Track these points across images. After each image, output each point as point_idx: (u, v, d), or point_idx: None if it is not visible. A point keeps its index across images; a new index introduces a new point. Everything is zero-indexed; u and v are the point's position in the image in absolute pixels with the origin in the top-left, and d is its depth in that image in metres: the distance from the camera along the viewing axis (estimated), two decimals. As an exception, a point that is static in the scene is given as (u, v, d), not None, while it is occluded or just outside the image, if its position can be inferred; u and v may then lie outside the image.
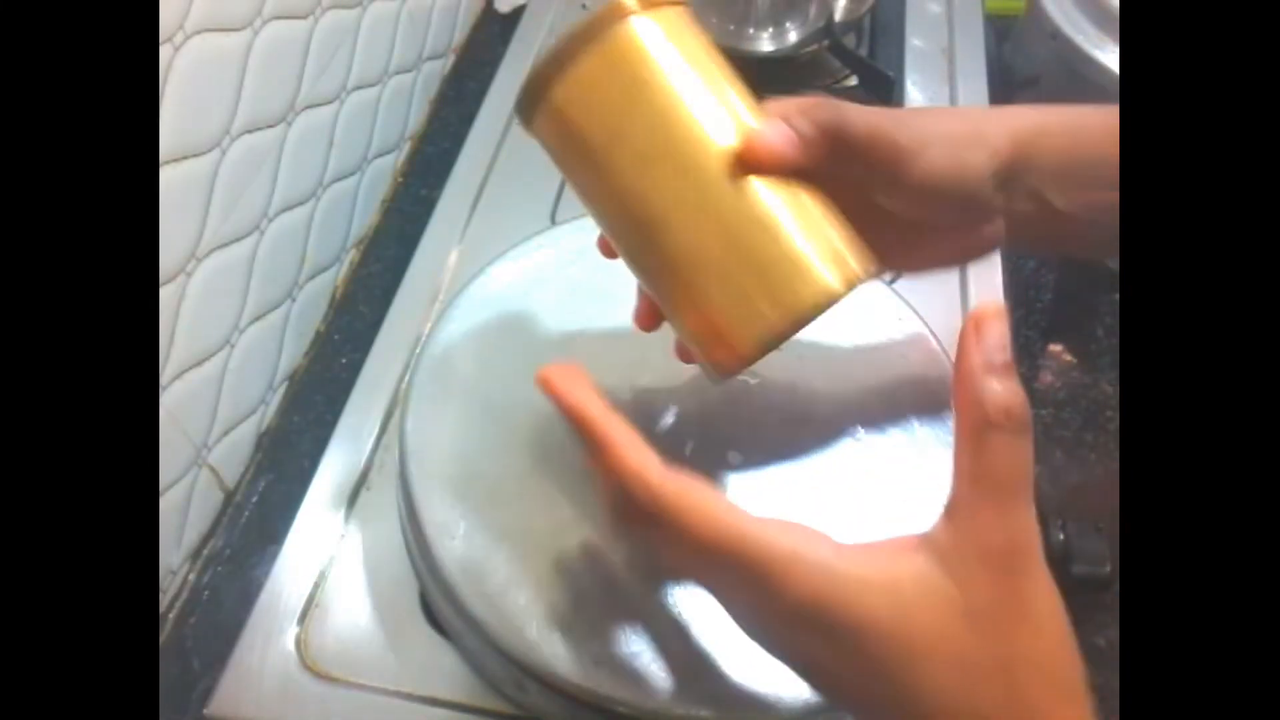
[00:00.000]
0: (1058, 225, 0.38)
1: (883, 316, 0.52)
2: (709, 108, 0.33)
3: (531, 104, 0.36)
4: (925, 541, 0.28)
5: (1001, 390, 0.27)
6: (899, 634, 0.27)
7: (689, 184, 0.33)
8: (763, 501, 0.44)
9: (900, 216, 0.37)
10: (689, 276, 0.33)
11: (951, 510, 0.28)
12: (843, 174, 0.35)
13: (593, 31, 0.33)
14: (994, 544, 0.27)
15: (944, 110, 0.39)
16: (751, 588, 0.29)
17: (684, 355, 0.40)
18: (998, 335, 0.28)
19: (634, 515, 0.31)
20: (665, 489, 0.30)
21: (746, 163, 0.32)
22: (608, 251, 0.40)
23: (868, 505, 0.44)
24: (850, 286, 0.32)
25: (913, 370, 0.50)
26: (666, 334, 0.50)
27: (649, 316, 0.39)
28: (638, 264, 0.36)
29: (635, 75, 0.33)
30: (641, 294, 0.39)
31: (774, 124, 0.33)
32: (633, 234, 0.35)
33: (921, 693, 0.26)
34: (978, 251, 0.40)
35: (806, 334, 0.51)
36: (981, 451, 0.27)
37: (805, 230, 0.32)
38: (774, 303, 0.32)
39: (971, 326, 0.28)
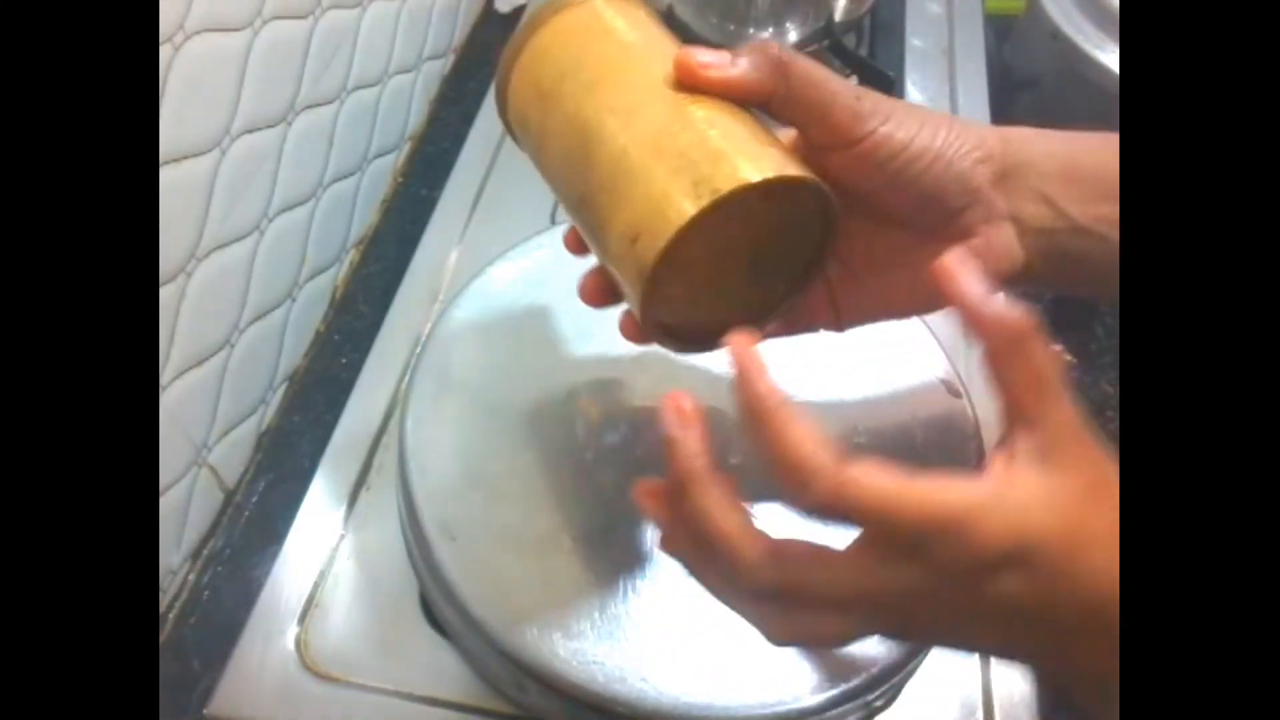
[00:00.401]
0: (1078, 240, 0.36)
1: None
2: (654, 44, 0.35)
3: (503, 82, 0.38)
4: (1023, 451, 0.29)
5: (1011, 310, 0.29)
6: (1068, 535, 0.28)
7: (625, 95, 0.33)
8: (762, 504, 0.44)
9: (889, 220, 0.36)
10: (615, 183, 0.33)
11: (1022, 418, 0.29)
12: (804, 133, 0.34)
13: (555, 6, 0.36)
14: (1074, 425, 0.28)
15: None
16: (949, 553, 0.28)
17: (597, 295, 0.39)
18: (971, 276, 0.29)
19: (812, 507, 0.29)
20: (846, 479, 0.29)
21: (680, 76, 0.32)
22: (574, 246, 0.40)
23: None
24: (766, 175, 0.30)
25: (913, 372, 0.50)
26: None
27: (596, 292, 0.38)
28: (575, 197, 0.36)
29: (590, 29, 0.35)
30: (589, 271, 0.39)
31: (712, 50, 0.33)
32: (573, 163, 0.35)
33: (1096, 581, 0.27)
34: (993, 268, 0.35)
35: (807, 336, 0.51)
36: (1029, 360, 0.28)
37: (729, 131, 0.32)
38: (690, 191, 0.30)
39: (945, 279, 0.30)
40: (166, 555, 0.50)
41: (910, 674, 0.45)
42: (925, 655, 0.45)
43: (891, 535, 0.28)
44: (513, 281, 0.53)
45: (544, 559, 0.43)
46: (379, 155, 0.68)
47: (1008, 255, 0.36)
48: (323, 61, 0.57)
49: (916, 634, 0.32)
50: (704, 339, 0.37)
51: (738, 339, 0.31)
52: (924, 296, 0.38)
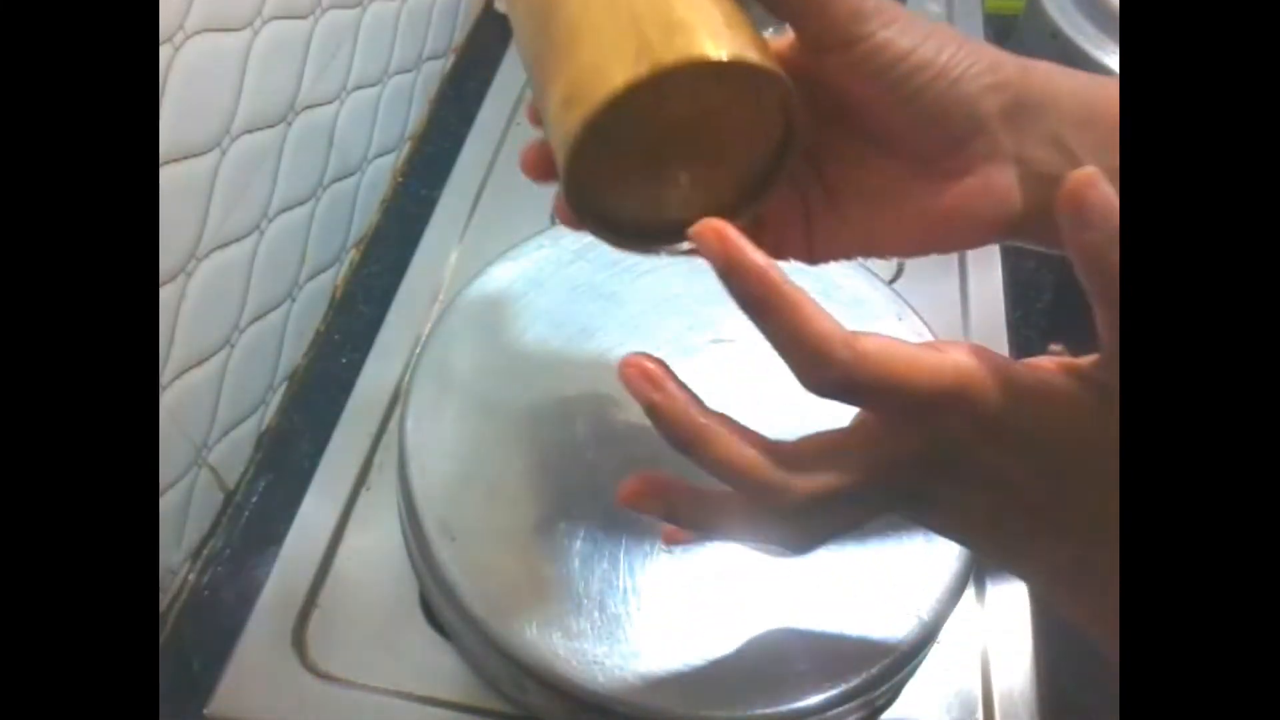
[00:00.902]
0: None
1: (883, 316, 0.52)
2: None
3: None
4: (1091, 374, 0.29)
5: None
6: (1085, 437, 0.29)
7: None
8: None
9: (883, 143, 0.33)
10: (565, 42, 0.30)
11: (1111, 361, 0.28)
12: (798, 27, 0.31)
13: None
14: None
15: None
16: (961, 415, 0.29)
17: (535, 167, 0.35)
18: (1100, 204, 0.26)
19: (829, 385, 0.28)
20: (863, 352, 0.28)
21: None
22: (530, 161, 0.35)
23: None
24: (719, 55, 0.27)
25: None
26: (669, 334, 0.50)
27: (534, 163, 0.35)
28: (530, 58, 0.32)
29: None
30: (530, 143, 0.35)
31: None
32: (535, 18, 0.32)
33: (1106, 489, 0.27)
34: (987, 213, 0.32)
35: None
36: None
37: (697, 4, 0.29)
38: (631, 58, 0.27)
39: (1070, 207, 0.27)
40: (167, 555, 0.50)
41: (911, 674, 0.45)
42: (926, 655, 0.45)
43: (905, 404, 0.29)
44: (513, 281, 0.53)
45: (544, 559, 0.43)
46: (379, 155, 0.68)
47: (1005, 201, 0.32)
48: (323, 61, 0.57)
49: (925, 506, 0.32)
50: (645, 238, 0.33)
51: (706, 226, 0.28)
52: (908, 236, 0.34)
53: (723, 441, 0.30)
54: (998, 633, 0.48)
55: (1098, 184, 0.26)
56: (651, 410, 0.30)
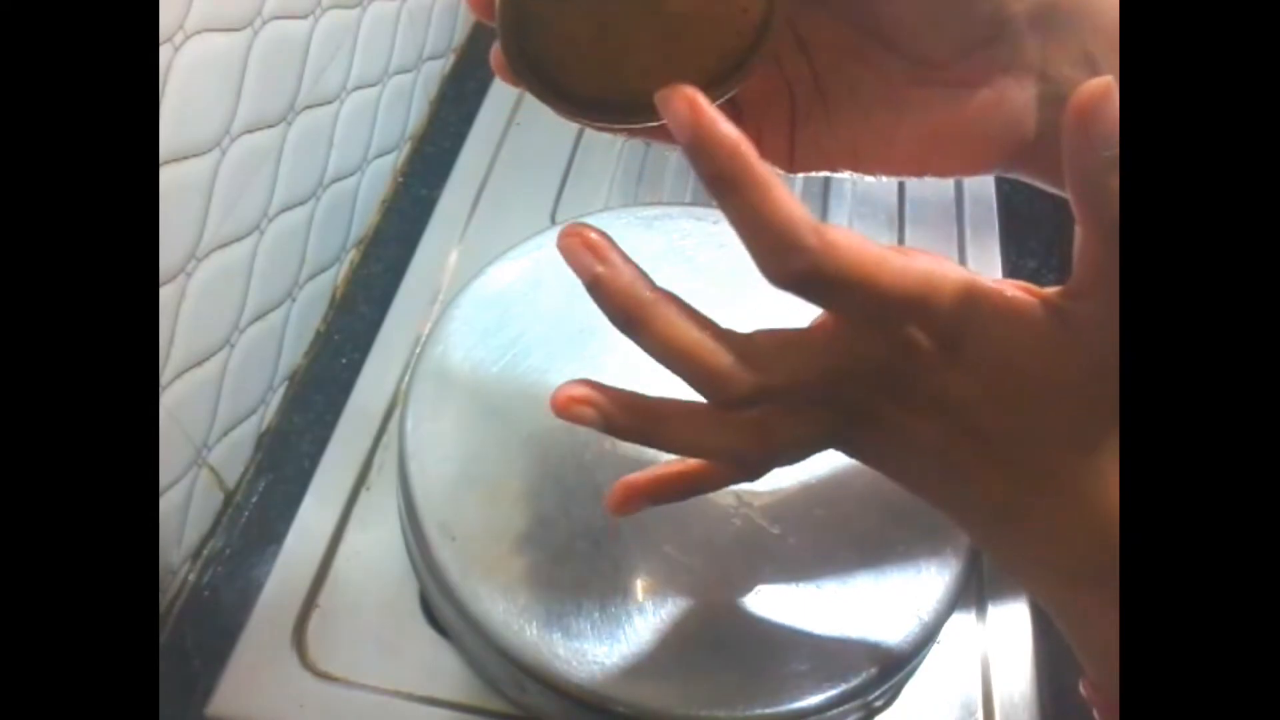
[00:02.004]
0: None
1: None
2: None
3: None
4: (1057, 302, 0.28)
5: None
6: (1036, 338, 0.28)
7: None
8: (760, 497, 0.44)
9: (888, 40, 0.29)
10: None
11: (1084, 292, 0.27)
12: None
13: None
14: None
15: None
16: (921, 324, 0.27)
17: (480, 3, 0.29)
18: (1109, 121, 0.24)
19: (793, 276, 0.26)
20: (832, 241, 0.26)
21: None
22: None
23: (867, 504, 0.44)
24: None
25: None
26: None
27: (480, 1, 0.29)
28: None
29: None
30: None
31: None
32: None
33: (1057, 415, 0.27)
34: (997, 134, 0.29)
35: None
36: (1114, 246, 0.26)
37: None
38: None
39: (1078, 118, 0.24)
40: (167, 555, 0.50)
41: (910, 674, 0.45)
42: (926, 655, 0.45)
43: (867, 304, 0.27)
44: (513, 281, 0.53)
45: (544, 558, 0.43)
46: (379, 155, 0.68)
47: (1019, 122, 0.29)
48: (323, 61, 0.57)
49: (869, 429, 0.30)
50: (598, 109, 0.30)
51: (676, 92, 0.25)
52: (903, 151, 0.31)
53: (670, 320, 0.28)
54: (998, 633, 0.48)
55: (1111, 97, 0.24)
56: (594, 284, 0.28)
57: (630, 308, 0.28)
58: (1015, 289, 0.28)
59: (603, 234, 0.28)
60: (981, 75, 0.28)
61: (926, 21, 0.28)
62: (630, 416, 0.30)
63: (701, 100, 0.25)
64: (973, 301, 0.27)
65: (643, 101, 0.27)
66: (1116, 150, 0.24)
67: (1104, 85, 0.24)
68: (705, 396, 0.29)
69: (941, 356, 0.28)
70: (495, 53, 0.29)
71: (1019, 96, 0.28)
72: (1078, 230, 0.27)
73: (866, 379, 0.29)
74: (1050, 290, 0.28)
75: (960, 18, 0.27)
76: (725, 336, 0.28)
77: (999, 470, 0.29)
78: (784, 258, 0.26)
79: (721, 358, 0.28)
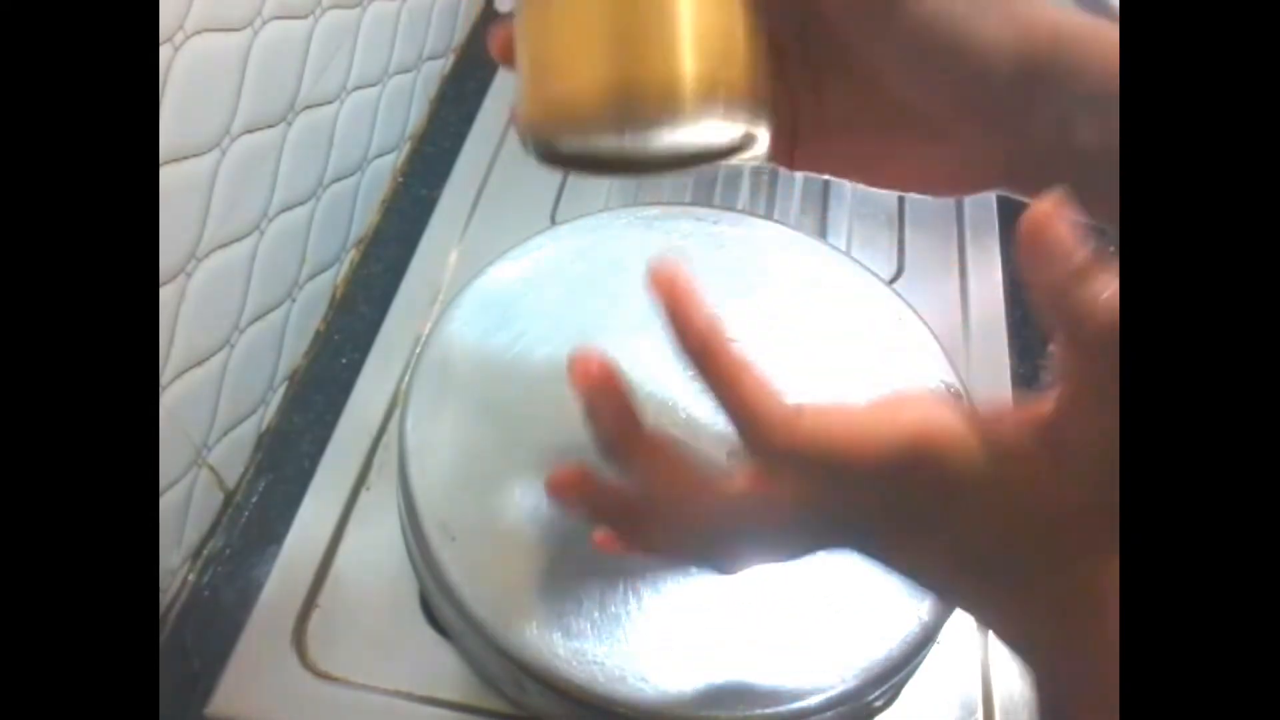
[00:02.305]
0: (1063, 166, 0.29)
1: (883, 316, 0.52)
2: None
3: None
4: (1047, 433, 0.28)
5: (1102, 295, 0.25)
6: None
7: None
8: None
9: (881, 88, 0.30)
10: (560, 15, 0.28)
11: (1073, 415, 0.27)
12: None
13: None
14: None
15: None
16: (914, 480, 0.28)
17: (505, 54, 0.32)
18: (1062, 240, 0.25)
19: (769, 450, 0.29)
20: (802, 423, 0.28)
21: None
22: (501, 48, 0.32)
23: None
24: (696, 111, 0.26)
25: (913, 370, 0.50)
26: (665, 333, 0.50)
27: (504, 52, 0.32)
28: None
29: None
30: (501, 30, 0.33)
31: None
32: None
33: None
34: (976, 175, 0.31)
35: (808, 335, 0.51)
36: (1093, 357, 0.26)
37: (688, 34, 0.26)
38: (616, 101, 0.26)
39: (1028, 244, 0.25)
40: (166, 555, 0.50)
41: (910, 674, 0.45)
42: (926, 655, 0.45)
43: (853, 474, 0.28)
44: (513, 281, 0.53)
45: (544, 559, 0.43)
46: (379, 155, 0.68)
47: (995, 167, 0.30)
48: (323, 61, 0.57)
49: (863, 538, 0.32)
50: (604, 169, 0.32)
51: (659, 272, 0.29)
52: (890, 174, 0.33)
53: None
54: (998, 633, 0.48)
55: (1058, 216, 0.25)
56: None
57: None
58: (1011, 422, 0.28)
59: (604, 364, 0.31)
60: (966, 125, 0.29)
61: (912, 77, 0.29)
62: (618, 510, 0.33)
63: (681, 281, 0.29)
64: (964, 452, 0.28)
65: (646, 168, 0.30)
66: (1078, 261, 0.25)
67: (1048, 208, 0.25)
68: (672, 525, 0.32)
69: (938, 501, 0.29)
70: (497, 40, 0.30)
71: (1000, 143, 0.29)
72: (1054, 348, 0.27)
73: (866, 510, 0.30)
74: (1044, 411, 0.27)
75: (944, 76, 0.28)
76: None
77: (1003, 592, 0.30)
78: (759, 444, 0.29)
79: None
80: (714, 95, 0.27)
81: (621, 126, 0.27)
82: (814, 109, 0.32)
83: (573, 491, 0.33)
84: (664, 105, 0.27)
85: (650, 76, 0.27)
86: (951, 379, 0.50)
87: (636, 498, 0.32)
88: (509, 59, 0.31)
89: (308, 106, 0.56)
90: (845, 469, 0.28)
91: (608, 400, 0.31)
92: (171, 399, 0.47)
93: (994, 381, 0.58)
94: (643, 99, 0.27)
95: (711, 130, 0.28)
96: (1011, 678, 0.47)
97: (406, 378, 0.55)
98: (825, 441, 0.28)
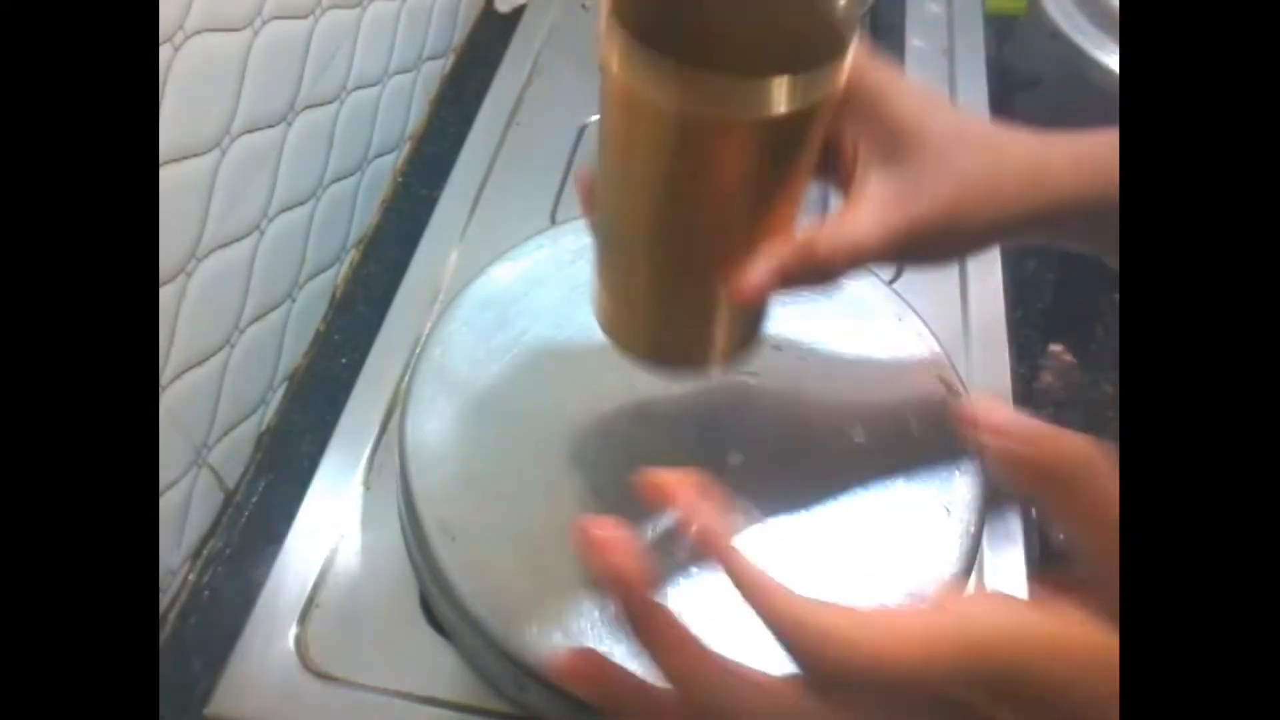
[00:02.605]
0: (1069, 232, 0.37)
1: (883, 316, 0.52)
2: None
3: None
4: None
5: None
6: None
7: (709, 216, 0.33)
8: (763, 502, 0.44)
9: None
10: (647, 250, 0.35)
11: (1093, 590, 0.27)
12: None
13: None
14: None
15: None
16: (964, 684, 0.26)
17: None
18: (1010, 423, 0.28)
19: (831, 678, 0.27)
20: (859, 638, 0.26)
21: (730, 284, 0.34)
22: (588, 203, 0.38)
23: (867, 505, 0.44)
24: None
25: (912, 371, 0.50)
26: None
27: (587, 199, 0.38)
28: (624, 209, 0.35)
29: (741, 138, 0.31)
30: (588, 175, 0.37)
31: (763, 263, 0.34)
32: (637, 202, 0.34)
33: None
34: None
35: (809, 335, 0.51)
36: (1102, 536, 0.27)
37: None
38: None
39: (994, 435, 0.28)
40: (166, 555, 0.50)
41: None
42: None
43: (904, 688, 0.26)
44: (513, 281, 0.53)
45: (544, 558, 0.43)
46: (379, 155, 0.68)
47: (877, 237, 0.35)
48: (323, 61, 0.57)
49: None
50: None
51: (701, 525, 0.29)
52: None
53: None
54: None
55: (995, 405, 0.28)
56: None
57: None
58: (1062, 614, 0.26)
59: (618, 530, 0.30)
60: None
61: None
62: (640, 702, 0.30)
63: (725, 541, 0.29)
64: (1019, 654, 0.26)
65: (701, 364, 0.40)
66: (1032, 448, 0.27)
67: (984, 402, 0.28)
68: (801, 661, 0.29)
69: (992, 701, 0.26)
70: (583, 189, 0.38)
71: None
72: (1064, 532, 0.28)
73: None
74: (1088, 594, 0.27)
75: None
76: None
77: None
78: (814, 665, 0.27)
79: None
80: (723, 360, 0.38)
81: (651, 369, 0.39)
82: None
83: (580, 679, 0.30)
84: (681, 370, 0.39)
85: (669, 357, 0.39)
86: (951, 379, 0.50)
87: (660, 690, 0.29)
88: (590, 212, 0.38)
89: (308, 106, 0.56)
90: (913, 685, 0.26)
91: (625, 578, 0.28)
92: (171, 399, 0.47)
93: (994, 382, 0.58)
94: (664, 366, 0.39)
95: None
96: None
97: (406, 378, 0.54)
98: (891, 656, 0.26)
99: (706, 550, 0.29)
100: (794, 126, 0.30)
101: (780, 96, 0.28)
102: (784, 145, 0.31)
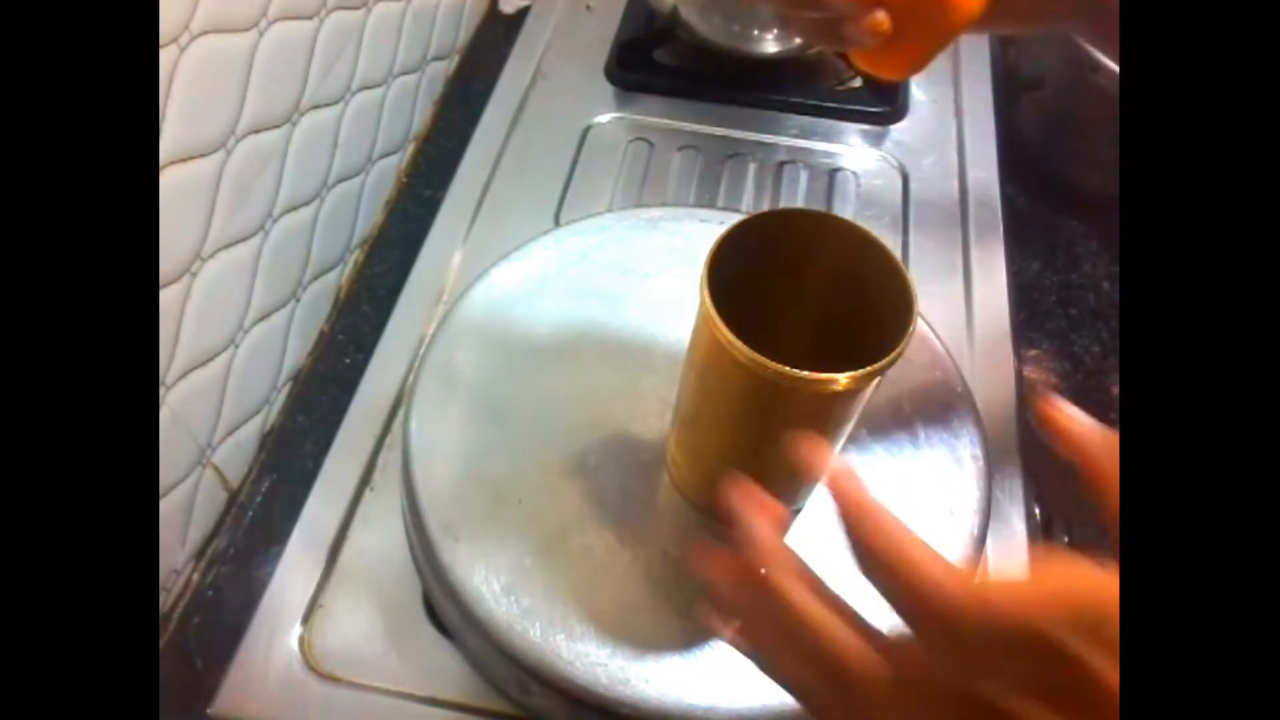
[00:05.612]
0: None
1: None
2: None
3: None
4: None
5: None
6: None
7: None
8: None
9: None
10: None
11: None
12: None
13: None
14: None
15: None
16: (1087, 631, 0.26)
17: None
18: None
19: (964, 637, 0.27)
20: (991, 605, 0.26)
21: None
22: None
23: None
24: None
25: (914, 370, 0.50)
26: (673, 336, 0.50)
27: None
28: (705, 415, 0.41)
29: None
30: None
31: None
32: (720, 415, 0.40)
33: None
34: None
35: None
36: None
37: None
38: None
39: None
40: (170, 555, 0.50)
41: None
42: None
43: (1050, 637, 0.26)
44: (516, 282, 0.53)
45: (547, 560, 0.43)
46: (383, 156, 0.68)
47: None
48: (327, 62, 0.57)
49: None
50: None
51: (831, 470, 0.30)
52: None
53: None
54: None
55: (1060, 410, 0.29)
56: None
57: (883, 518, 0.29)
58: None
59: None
60: None
61: None
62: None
63: (846, 471, 0.30)
64: (1112, 604, 0.25)
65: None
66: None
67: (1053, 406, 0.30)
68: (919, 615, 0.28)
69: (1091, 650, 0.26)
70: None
71: None
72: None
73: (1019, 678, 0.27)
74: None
75: None
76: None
77: None
78: (949, 625, 0.27)
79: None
80: None
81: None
82: None
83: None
84: None
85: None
86: (955, 380, 0.50)
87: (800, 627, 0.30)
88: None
89: (313, 107, 0.56)
90: (1027, 630, 0.26)
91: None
92: (176, 399, 0.47)
93: (998, 382, 0.58)
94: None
95: None
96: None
97: (410, 378, 0.55)
98: (1012, 599, 0.26)
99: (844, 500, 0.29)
100: (849, 392, 0.35)
101: (842, 380, 0.33)
102: (840, 402, 0.36)
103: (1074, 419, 0.29)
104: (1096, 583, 0.26)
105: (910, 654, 0.28)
